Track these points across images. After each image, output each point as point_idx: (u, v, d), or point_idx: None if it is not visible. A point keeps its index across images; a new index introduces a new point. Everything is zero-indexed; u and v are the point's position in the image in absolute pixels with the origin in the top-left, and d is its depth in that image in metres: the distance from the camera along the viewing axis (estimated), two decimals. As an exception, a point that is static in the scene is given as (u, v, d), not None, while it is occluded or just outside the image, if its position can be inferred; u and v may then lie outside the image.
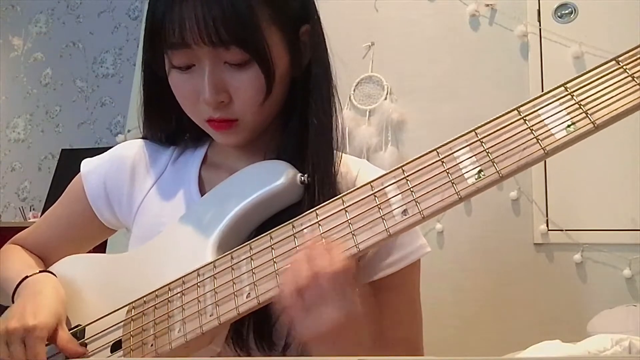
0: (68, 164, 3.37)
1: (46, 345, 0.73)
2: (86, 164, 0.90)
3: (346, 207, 0.62)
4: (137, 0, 3.80)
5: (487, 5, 1.93)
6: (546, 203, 1.78)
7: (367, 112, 2.02)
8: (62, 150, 3.65)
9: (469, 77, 1.93)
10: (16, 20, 4.23)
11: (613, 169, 1.69)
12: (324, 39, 0.79)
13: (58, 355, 0.72)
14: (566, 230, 1.75)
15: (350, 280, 0.58)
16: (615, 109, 0.52)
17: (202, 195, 0.80)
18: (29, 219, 3.53)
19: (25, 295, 0.75)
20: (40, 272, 0.81)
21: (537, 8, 1.87)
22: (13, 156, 4.03)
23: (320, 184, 0.73)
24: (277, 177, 0.70)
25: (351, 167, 0.82)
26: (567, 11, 1.83)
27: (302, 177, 0.71)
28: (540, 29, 1.85)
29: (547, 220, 1.77)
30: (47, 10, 4.12)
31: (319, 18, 0.79)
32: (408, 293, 0.82)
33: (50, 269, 0.85)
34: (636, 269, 1.66)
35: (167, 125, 0.86)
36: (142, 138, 0.90)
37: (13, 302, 0.77)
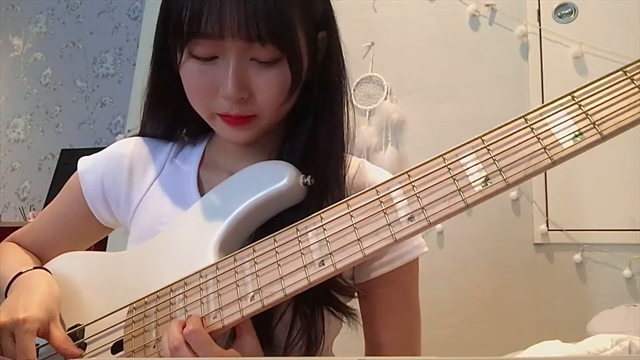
0: (68, 164, 3.36)
1: (44, 345, 0.74)
2: (83, 162, 0.89)
3: (351, 211, 0.61)
4: (137, 0, 3.80)
5: (487, 5, 1.93)
6: (546, 203, 1.78)
7: (367, 112, 2.02)
8: (62, 150, 3.64)
9: (469, 77, 1.93)
10: (16, 20, 4.22)
11: (613, 169, 1.69)
12: (341, 47, 0.79)
13: (55, 356, 0.72)
14: (566, 230, 1.75)
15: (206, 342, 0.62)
16: (623, 120, 0.52)
17: (201, 195, 0.80)
18: (29, 219, 3.52)
19: (18, 291, 0.75)
20: (34, 268, 0.80)
21: (537, 8, 1.87)
22: (13, 156, 4.03)
23: (329, 186, 0.73)
24: (279, 178, 0.70)
25: (350, 166, 0.82)
26: (567, 11, 1.83)
27: (305, 179, 0.70)
28: (540, 29, 1.85)
29: (547, 220, 1.77)
30: (47, 10, 4.12)
31: (336, 28, 0.79)
32: (405, 293, 0.81)
33: (46, 266, 0.84)
34: (636, 269, 1.66)
35: (167, 117, 0.85)
36: (139, 135, 0.89)
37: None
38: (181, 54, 0.71)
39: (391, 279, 0.78)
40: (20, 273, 0.79)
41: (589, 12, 1.81)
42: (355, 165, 0.83)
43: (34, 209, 3.68)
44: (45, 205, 3.39)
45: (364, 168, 0.83)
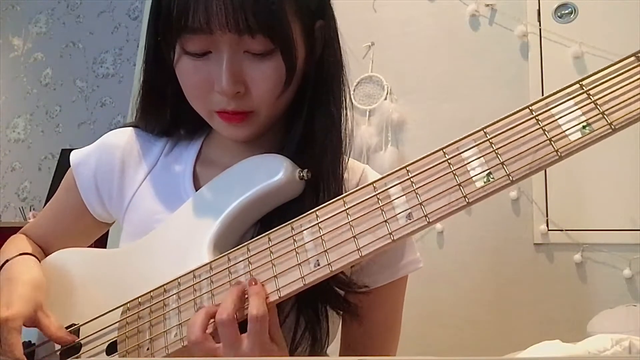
0: (68, 164, 3.35)
1: (40, 344, 0.73)
2: (75, 155, 0.87)
3: (347, 208, 0.59)
4: (137, 0, 3.80)
5: (487, 5, 1.93)
6: (546, 203, 1.78)
7: (367, 112, 2.02)
8: (62, 150, 3.64)
9: (469, 77, 1.93)
10: (16, 20, 4.22)
11: (613, 169, 1.69)
12: (338, 36, 0.77)
13: (52, 356, 0.72)
14: (566, 230, 1.74)
15: (265, 330, 0.59)
16: (635, 110, 0.48)
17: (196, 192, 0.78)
18: (29, 219, 3.52)
19: (1, 283, 0.74)
20: (20, 255, 0.80)
21: (537, 8, 1.87)
22: (13, 156, 4.03)
23: (326, 180, 0.71)
24: (275, 172, 0.67)
25: (354, 171, 0.81)
26: (567, 11, 1.83)
27: (302, 173, 0.68)
28: (540, 29, 1.85)
29: (547, 220, 1.77)
30: (47, 10, 4.12)
31: (333, 16, 0.77)
32: (391, 307, 0.81)
33: (42, 262, 0.83)
34: (636, 269, 1.66)
35: (163, 118, 0.82)
36: (133, 126, 0.86)
37: None
38: (174, 52, 0.70)
39: (382, 292, 0.77)
40: (7, 261, 0.78)
41: (589, 12, 1.80)
42: (359, 169, 0.82)
43: (34, 209, 3.68)
44: (45, 205, 3.40)
45: (368, 175, 0.82)
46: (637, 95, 0.48)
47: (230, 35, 0.65)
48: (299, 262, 0.60)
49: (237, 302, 0.60)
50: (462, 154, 0.55)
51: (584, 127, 0.50)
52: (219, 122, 0.73)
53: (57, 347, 0.73)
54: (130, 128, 0.86)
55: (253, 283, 0.61)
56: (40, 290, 0.74)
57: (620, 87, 0.49)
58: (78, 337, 0.72)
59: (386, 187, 0.58)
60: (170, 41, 0.69)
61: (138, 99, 0.81)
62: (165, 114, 0.82)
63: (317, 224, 0.61)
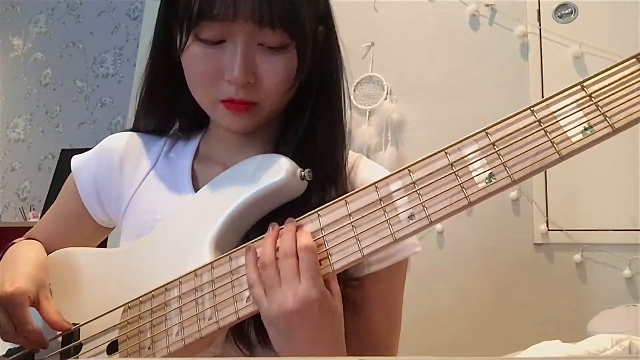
0: (68, 164, 3.34)
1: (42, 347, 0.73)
2: (76, 160, 0.88)
3: (349, 208, 0.60)
4: (137, 0, 3.80)
5: (487, 5, 1.93)
6: (546, 203, 1.78)
7: (367, 112, 2.02)
8: (62, 150, 3.65)
9: (469, 77, 1.92)
10: (16, 20, 4.23)
11: (613, 169, 1.69)
12: (338, 42, 0.80)
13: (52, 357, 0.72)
14: (566, 230, 1.74)
15: (314, 266, 0.59)
16: (636, 112, 0.48)
17: (195, 190, 0.78)
18: (29, 219, 3.53)
19: (4, 263, 0.76)
20: (26, 239, 0.82)
21: (537, 8, 1.87)
22: (13, 156, 4.03)
23: (329, 180, 0.72)
24: (276, 172, 0.68)
25: (348, 160, 0.81)
26: (567, 11, 1.83)
27: (303, 172, 0.69)
28: (540, 29, 1.85)
29: (547, 220, 1.77)
30: (47, 10, 4.13)
31: (335, 25, 0.80)
32: (390, 294, 0.80)
33: None
34: (636, 269, 1.66)
35: (161, 110, 0.84)
36: (132, 130, 0.88)
37: None
38: (186, 38, 0.71)
39: (379, 277, 0.76)
40: (12, 244, 0.81)
41: (589, 12, 1.80)
42: (351, 161, 0.82)
43: (34, 209, 3.68)
44: (45, 205, 3.41)
45: (359, 165, 0.82)
46: (638, 97, 0.49)
47: (251, 26, 0.67)
48: (301, 261, 0.60)
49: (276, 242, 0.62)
50: (464, 155, 0.55)
51: (585, 128, 0.50)
52: (222, 111, 0.74)
53: (58, 347, 0.73)
54: (130, 132, 0.88)
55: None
56: (43, 270, 0.76)
57: (622, 89, 0.50)
58: (79, 337, 0.72)
59: (388, 188, 0.59)
60: (186, 27, 0.70)
61: (140, 90, 0.82)
62: (164, 108, 0.84)
63: (319, 224, 0.61)
